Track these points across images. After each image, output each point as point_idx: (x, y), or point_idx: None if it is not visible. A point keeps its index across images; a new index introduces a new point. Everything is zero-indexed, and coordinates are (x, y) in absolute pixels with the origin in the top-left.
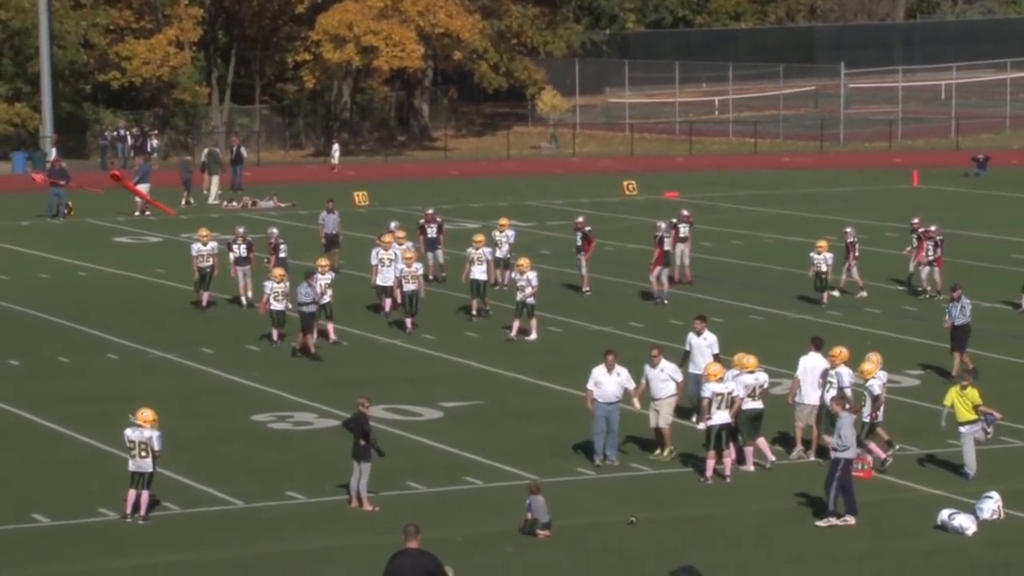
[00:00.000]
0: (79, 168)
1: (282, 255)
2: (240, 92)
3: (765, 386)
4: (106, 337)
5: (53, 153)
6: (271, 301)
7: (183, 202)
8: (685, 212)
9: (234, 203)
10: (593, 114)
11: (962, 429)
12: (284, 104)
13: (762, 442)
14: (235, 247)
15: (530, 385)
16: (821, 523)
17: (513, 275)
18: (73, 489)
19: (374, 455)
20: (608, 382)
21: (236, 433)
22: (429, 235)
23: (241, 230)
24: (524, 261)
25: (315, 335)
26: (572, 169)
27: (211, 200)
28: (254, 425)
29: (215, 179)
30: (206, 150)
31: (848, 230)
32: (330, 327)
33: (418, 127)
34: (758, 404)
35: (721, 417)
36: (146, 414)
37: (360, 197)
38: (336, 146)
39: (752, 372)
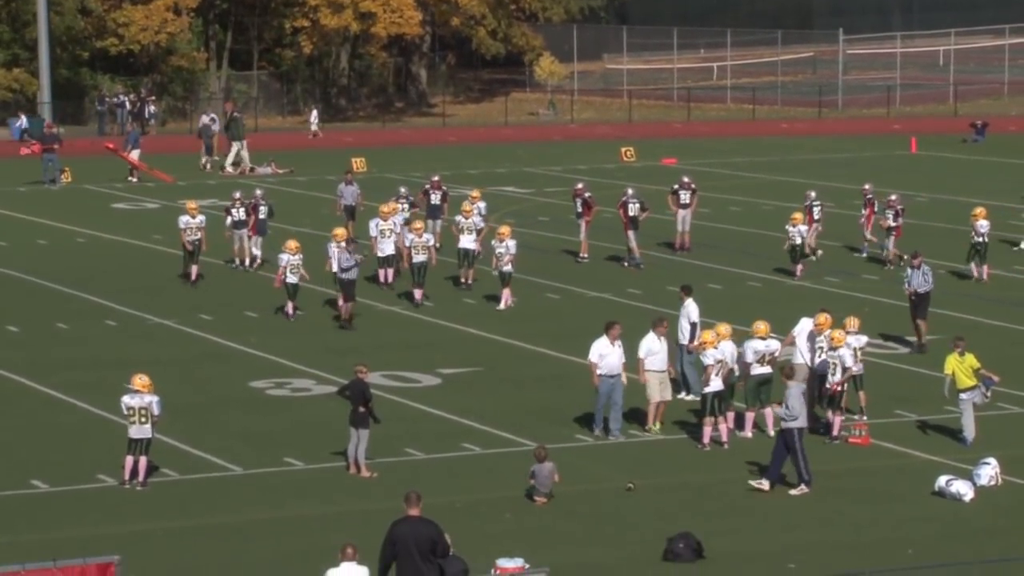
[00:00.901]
0: (77, 134)
1: (261, 217)
2: (238, 58)
3: (776, 353)
4: (104, 303)
5: (24, 121)
6: (287, 273)
7: (203, 165)
8: (686, 179)
9: (230, 169)
10: (591, 80)
11: (962, 396)
12: (282, 70)
13: (769, 412)
14: (233, 211)
15: (528, 352)
16: (794, 492)
17: (492, 243)
18: (72, 455)
19: (372, 422)
20: (612, 354)
21: (234, 400)
22: (432, 202)
23: (238, 194)
24: (504, 229)
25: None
26: (570, 135)
27: (246, 162)
28: (252, 391)
29: (237, 143)
30: (232, 115)
31: (811, 194)
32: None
33: (416, 93)
34: (767, 370)
35: (716, 384)
36: (143, 379)
37: (358, 163)
38: (315, 113)
39: (763, 339)
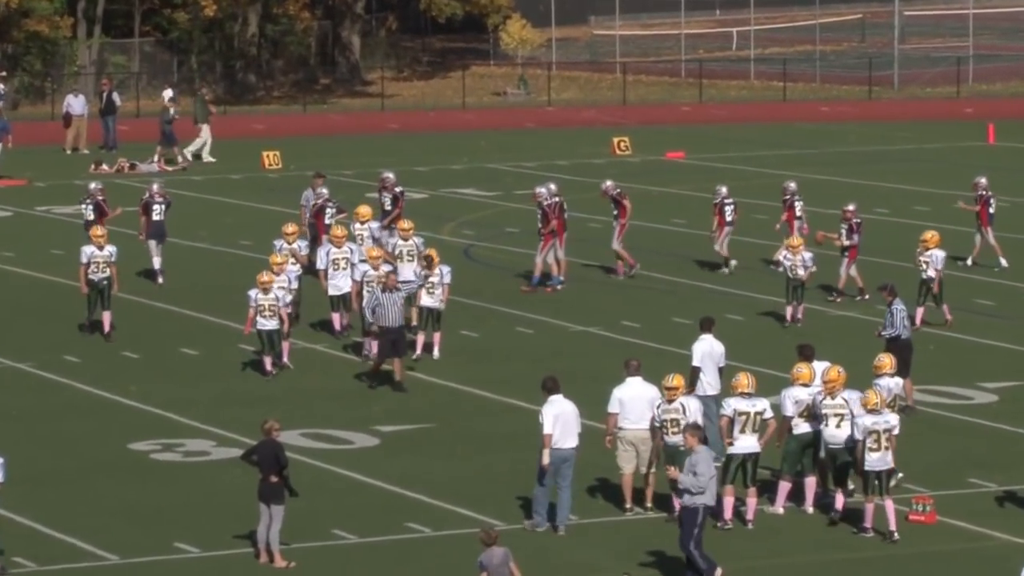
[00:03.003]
0: None
1: (156, 218)
2: (114, 23)
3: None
4: None
5: None
6: (257, 318)
7: (156, 160)
8: (607, 183)
9: (104, 166)
10: (574, 50)
11: None
12: (172, 37)
13: (811, 483)
14: (84, 208)
15: (493, 403)
16: None
17: (417, 270)
18: None
19: (288, 495)
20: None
21: (109, 466)
22: (384, 207)
23: (94, 186)
24: (433, 252)
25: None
26: (547, 122)
27: (206, 157)
28: (133, 455)
29: (205, 128)
30: (198, 93)
31: (722, 189)
32: (285, 347)
33: (347, 67)
34: (813, 427)
35: (747, 444)
36: None
37: (270, 158)
38: (169, 91)
39: (806, 385)
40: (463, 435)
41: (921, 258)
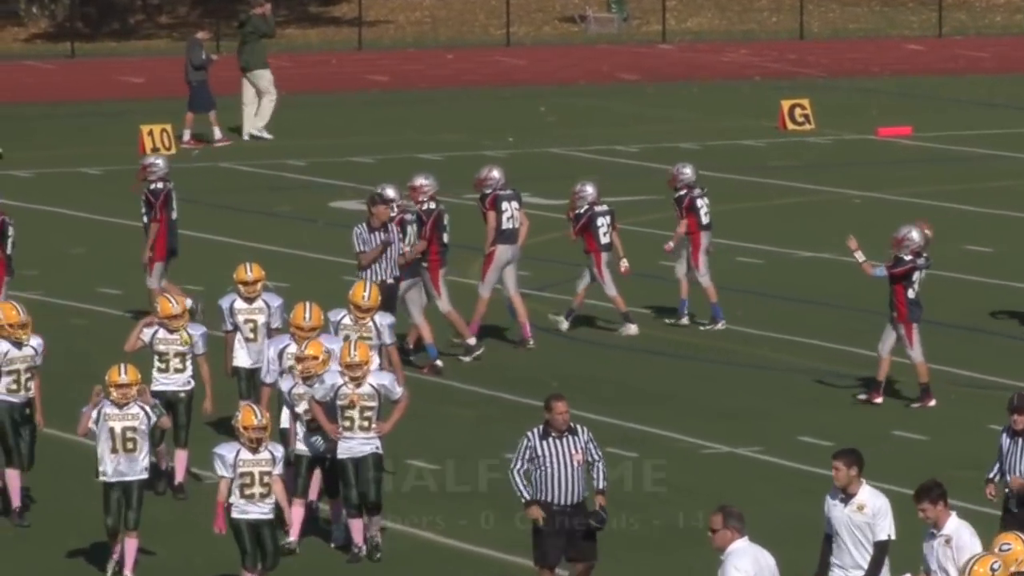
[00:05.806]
0: None
1: None
2: None
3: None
4: None
5: None
6: (238, 501)
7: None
8: (422, 180)
9: (264, 133)
10: None
11: None
12: None
13: None
14: None
15: (432, 544)
16: None
17: (271, 356)
18: None
19: None
20: None
21: None
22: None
23: None
24: (314, 348)
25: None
26: (660, 72)
27: (250, 130)
28: None
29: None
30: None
31: (589, 189)
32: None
33: None
34: None
35: None
36: None
37: None
38: None
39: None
40: None
41: None
